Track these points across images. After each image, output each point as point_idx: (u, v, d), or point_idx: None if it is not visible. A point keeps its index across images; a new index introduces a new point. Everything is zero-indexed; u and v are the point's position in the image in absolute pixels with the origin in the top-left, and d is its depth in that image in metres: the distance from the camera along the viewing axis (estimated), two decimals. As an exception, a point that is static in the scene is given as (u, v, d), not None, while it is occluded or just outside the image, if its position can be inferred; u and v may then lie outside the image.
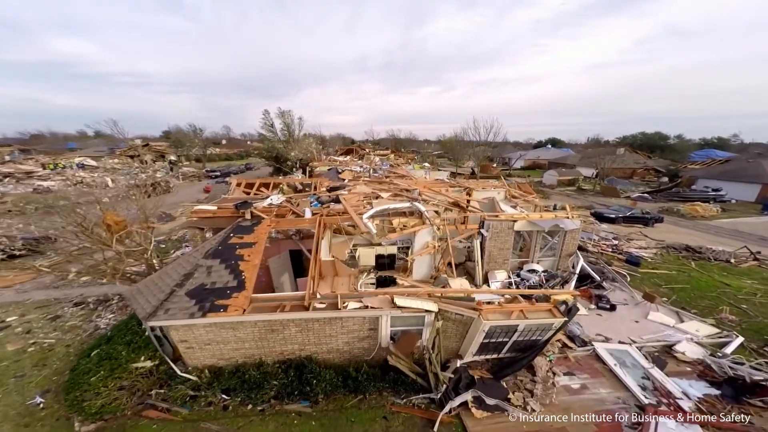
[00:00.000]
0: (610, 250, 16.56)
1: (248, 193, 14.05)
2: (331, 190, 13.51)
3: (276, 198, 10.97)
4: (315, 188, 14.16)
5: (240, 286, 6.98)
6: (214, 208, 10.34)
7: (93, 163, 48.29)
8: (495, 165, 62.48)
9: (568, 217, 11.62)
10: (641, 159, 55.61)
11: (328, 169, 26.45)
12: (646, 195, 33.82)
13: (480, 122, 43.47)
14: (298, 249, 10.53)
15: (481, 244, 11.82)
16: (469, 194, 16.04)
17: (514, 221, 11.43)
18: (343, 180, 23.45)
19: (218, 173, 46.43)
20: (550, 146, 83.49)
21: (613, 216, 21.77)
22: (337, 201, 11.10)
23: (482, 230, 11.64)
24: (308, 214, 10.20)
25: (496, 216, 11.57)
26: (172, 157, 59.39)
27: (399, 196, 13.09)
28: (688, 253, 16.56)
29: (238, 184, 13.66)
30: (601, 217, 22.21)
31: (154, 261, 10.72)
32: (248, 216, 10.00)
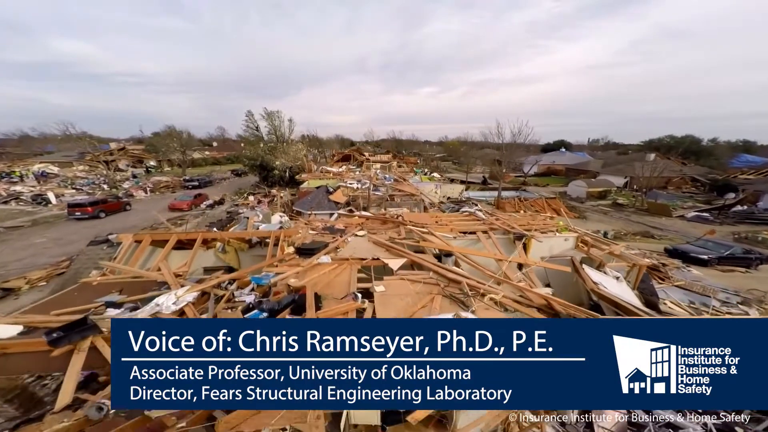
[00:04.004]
0: (743, 328, 10.67)
1: (185, 249, 8.19)
2: (301, 252, 7.61)
3: (171, 300, 5.08)
4: (276, 244, 8.24)
5: None
6: (13, 330, 4.48)
7: (56, 170, 42.44)
8: (505, 171, 56.16)
9: None
10: (675, 166, 49.60)
11: (317, 188, 20.53)
12: (705, 214, 27.76)
13: (505, 124, 36.97)
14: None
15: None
16: (525, 246, 10.21)
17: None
18: (336, 206, 17.67)
19: (196, 182, 40.24)
20: (564, 150, 77.06)
21: (706, 257, 15.61)
22: (302, 308, 5.16)
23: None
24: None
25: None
26: (152, 162, 53.67)
27: (422, 275, 7.15)
28: None
29: (137, 240, 7.66)
30: (684, 257, 16.10)
31: None
32: (79, 360, 4.14)
